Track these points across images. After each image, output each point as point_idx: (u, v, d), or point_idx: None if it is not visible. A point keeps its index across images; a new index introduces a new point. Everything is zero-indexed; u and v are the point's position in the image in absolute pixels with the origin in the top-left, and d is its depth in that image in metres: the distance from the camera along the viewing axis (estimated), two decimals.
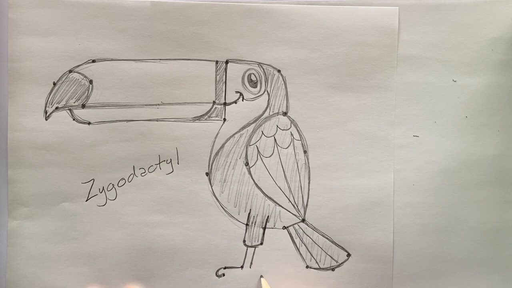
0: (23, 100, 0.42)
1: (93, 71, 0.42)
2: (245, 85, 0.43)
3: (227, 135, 0.43)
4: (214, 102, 0.43)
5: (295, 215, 0.44)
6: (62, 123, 0.43)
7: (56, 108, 0.42)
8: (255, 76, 0.43)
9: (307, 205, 0.44)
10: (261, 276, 0.43)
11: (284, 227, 0.44)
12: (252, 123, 0.44)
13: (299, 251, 0.44)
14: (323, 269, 0.44)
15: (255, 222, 0.44)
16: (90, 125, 0.43)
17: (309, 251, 0.44)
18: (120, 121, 0.43)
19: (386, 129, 0.44)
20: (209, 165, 0.43)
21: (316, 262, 0.44)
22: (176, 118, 0.43)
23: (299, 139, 0.44)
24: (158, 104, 0.43)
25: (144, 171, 0.43)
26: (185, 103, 0.43)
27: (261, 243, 0.44)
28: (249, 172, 0.44)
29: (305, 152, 0.44)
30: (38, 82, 0.42)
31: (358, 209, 0.44)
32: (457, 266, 0.44)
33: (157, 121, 0.43)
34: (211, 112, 0.43)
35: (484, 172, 0.44)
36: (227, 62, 0.43)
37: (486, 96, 0.44)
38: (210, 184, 0.43)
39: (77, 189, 0.43)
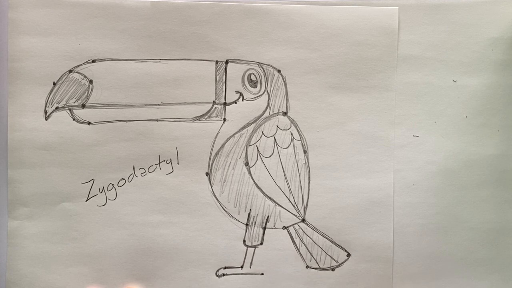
0: (23, 100, 0.42)
1: (93, 71, 0.42)
2: (245, 85, 0.43)
3: (227, 135, 0.43)
4: (214, 102, 0.43)
5: (295, 215, 0.44)
6: (62, 123, 0.43)
7: (56, 108, 0.42)
8: (255, 76, 0.43)
9: (307, 205, 0.44)
10: None
11: (284, 227, 0.44)
12: (252, 123, 0.44)
13: (299, 251, 0.44)
14: (323, 269, 0.44)
15: (255, 222, 0.44)
16: (90, 125, 0.43)
17: (309, 251, 0.44)
18: (120, 121, 0.43)
19: (386, 129, 0.44)
20: (209, 165, 0.43)
21: (316, 262, 0.44)
22: (176, 118, 0.43)
23: (299, 139, 0.44)
24: (158, 104, 0.43)
25: (144, 171, 0.43)
26: (185, 103, 0.43)
27: (261, 243, 0.44)
28: (249, 172, 0.44)
29: (305, 152, 0.44)
30: (38, 82, 0.42)
31: (358, 209, 0.44)
32: (457, 266, 0.44)
33: (157, 121, 0.43)
34: (211, 112, 0.43)
35: (484, 172, 0.44)
36: (227, 62, 0.43)
37: (486, 96, 0.44)
38: (210, 184, 0.43)
39: (77, 189, 0.43)
